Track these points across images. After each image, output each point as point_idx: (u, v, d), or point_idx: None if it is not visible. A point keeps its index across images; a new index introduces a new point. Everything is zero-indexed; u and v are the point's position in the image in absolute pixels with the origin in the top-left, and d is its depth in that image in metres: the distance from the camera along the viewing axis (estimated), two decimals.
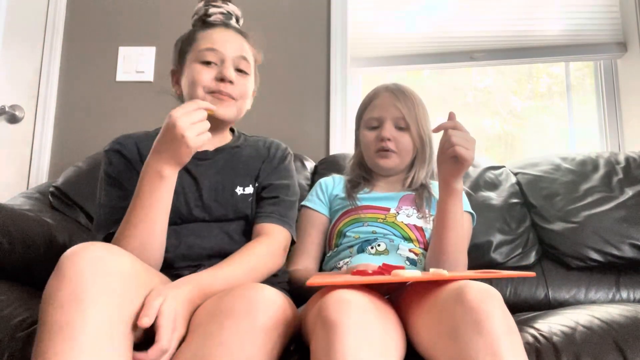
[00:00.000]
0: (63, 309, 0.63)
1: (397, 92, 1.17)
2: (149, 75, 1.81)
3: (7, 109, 1.69)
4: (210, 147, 1.05)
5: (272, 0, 1.85)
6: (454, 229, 0.97)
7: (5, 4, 1.66)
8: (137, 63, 1.82)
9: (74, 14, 1.87)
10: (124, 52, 1.83)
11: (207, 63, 1.00)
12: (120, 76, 1.82)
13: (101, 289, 0.66)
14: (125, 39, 1.85)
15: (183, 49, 1.05)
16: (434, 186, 1.19)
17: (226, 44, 1.01)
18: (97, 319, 0.63)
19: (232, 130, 1.15)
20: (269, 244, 0.97)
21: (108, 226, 0.94)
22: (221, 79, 0.98)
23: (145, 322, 0.67)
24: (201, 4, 1.07)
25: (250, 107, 1.10)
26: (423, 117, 1.17)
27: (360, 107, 1.24)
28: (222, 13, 1.06)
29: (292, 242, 1.05)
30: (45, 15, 1.84)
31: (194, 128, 0.83)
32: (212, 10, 1.06)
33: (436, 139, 1.08)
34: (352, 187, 1.20)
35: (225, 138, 1.10)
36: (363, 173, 1.23)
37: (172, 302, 0.71)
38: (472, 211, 1.17)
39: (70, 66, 1.84)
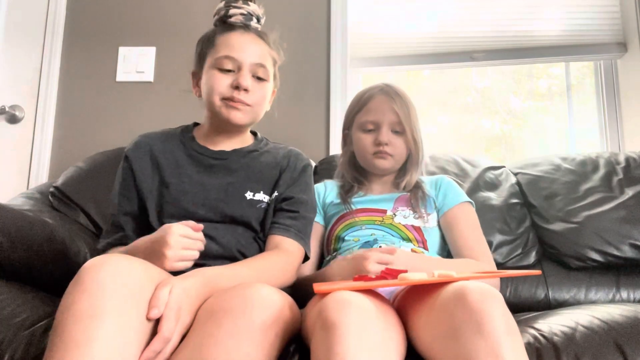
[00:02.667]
0: (82, 323, 0.63)
1: (393, 95, 1.16)
2: (149, 76, 1.81)
3: (7, 109, 1.69)
4: (228, 148, 1.07)
5: (272, 1, 1.85)
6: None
7: (5, 4, 1.66)
8: (137, 63, 1.82)
9: (74, 14, 1.87)
10: (124, 52, 1.83)
11: (225, 70, 1.01)
12: (120, 76, 1.82)
13: (120, 303, 0.66)
14: (125, 39, 1.85)
15: (203, 52, 1.06)
16: (426, 183, 1.19)
17: (244, 50, 1.01)
18: (115, 335, 0.64)
19: (254, 133, 1.15)
20: (285, 260, 0.97)
21: (109, 233, 1.03)
22: (236, 87, 1.00)
23: (155, 313, 0.68)
24: (222, 4, 1.06)
25: (269, 108, 1.12)
26: (415, 119, 1.17)
27: (353, 108, 1.22)
28: (242, 14, 1.05)
29: (305, 258, 1.05)
30: (45, 15, 1.84)
31: (179, 253, 0.81)
32: (232, 11, 1.05)
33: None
34: (346, 191, 1.20)
35: (245, 141, 1.11)
36: (355, 174, 1.23)
37: (179, 291, 0.72)
38: (469, 199, 1.18)
39: (70, 66, 1.84)
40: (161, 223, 0.97)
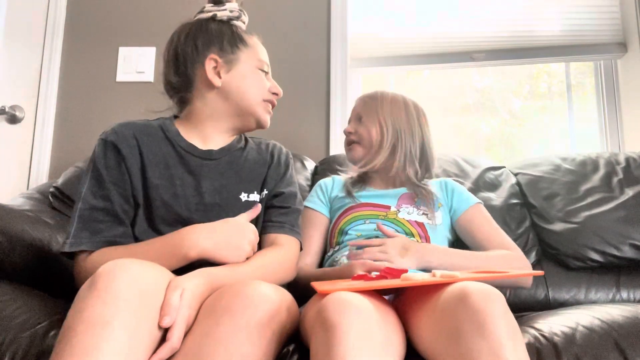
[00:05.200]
0: (93, 330, 0.62)
1: (363, 96, 1.27)
2: (149, 76, 1.81)
3: (7, 109, 1.69)
4: (215, 147, 1.03)
5: (272, 1, 1.85)
6: (464, 265, 1.03)
7: (5, 4, 1.66)
8: (137, 63, 1.82)
9: (74, 14, 1.87)
10: (124, 52, 1.83)
11: (264, 72, 1.07)
12: (120, 76, 1.82)
13: (132, 311, 0.65)
14: (125, 39, 1.85)
15: (233, 43, 1.03)
16: (431, 184, 1.20)
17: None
18: (125, 344, 0.63)
19: None
20: (284, 256, 0.97)
21: (79, 239, 0.89)
22: (274, 93, 1.08)
23: (167, 322, 0.68)
24: (235, 5, 1.07)
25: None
26: (387, 110, 1.21)
27: None
28: (244, 23, 1.10)
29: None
30: (45, 15, 1.84)
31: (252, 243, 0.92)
32: (243, 17, 1.09)
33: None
34: (352, 185, 1.23)
35: (229, 137, 1.09)
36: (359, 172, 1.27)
37: (189, 294, 0.72)
38: (478, 200, 1.21)
39: (70, 66, 1.84)
40: (152, 227, 0.95)
